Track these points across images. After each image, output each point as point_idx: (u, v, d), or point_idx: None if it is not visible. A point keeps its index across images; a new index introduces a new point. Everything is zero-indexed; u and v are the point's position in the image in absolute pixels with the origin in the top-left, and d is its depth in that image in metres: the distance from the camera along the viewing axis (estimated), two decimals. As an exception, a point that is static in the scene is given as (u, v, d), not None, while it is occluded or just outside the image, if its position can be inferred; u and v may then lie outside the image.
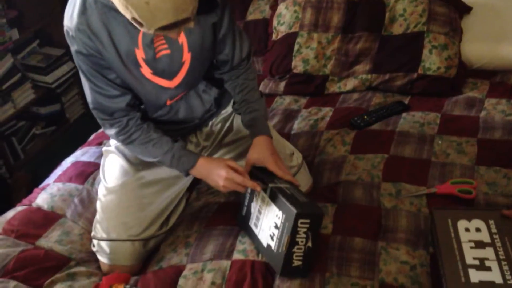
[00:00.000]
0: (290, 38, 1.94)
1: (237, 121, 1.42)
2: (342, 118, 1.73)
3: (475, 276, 1.06)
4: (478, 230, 1.16)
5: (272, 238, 1.16)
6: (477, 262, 1.09)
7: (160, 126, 1.32)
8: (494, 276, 1.06)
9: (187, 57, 1.21)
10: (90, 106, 1.23)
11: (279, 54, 1.95)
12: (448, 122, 1.63)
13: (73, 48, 1.15)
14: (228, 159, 1.27)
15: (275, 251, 1.15)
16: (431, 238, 1.22)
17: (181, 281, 1.18)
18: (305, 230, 1.11)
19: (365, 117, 1.71)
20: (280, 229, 1.13)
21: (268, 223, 1.17)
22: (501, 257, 1.09)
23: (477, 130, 1.57)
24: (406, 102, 1.77)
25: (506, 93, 1.72)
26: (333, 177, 1.49)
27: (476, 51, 1.86)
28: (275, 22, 2.01)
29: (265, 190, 1.20)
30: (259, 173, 1.25)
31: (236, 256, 1.22)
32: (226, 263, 1.21)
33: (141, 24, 0.99)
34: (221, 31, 1.25)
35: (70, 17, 1.11)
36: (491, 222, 1.17)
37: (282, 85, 1.93)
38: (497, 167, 1.42)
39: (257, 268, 1.18)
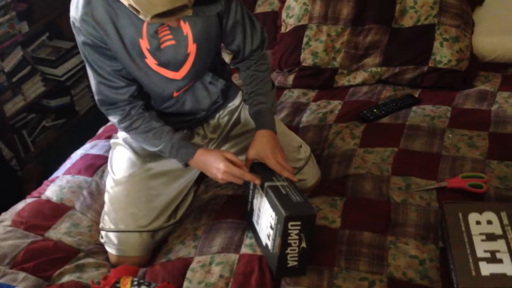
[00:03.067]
0: (299, 30, 1.92)
1: (245, 113, 1.41)
2: (351, 111, 1.72)
3: (486, 269, 1.05)
4: (489, 222, 1.15)
5: (268, 238, 1.15)
6: (488, 255, 1.08)
7: (167, 118, 1.32)
8: (506, 268, 1.04)
9: (192, 48, 1.21)
10: (95, 96, 1.25)
11: (288, 47, 1.93)
12: (459, 116, 1.61)
13: (79, 39, 1.16)
14: (227, 151, 1.26)
15: (271, 251, 1.14)
16: (441, 232, 1.21)
17: (189, 274, 1.18)
18: (297, 232, 1.09)
19: (375, 110, 1.69)
20: (274, 231, 1.12)
21: (265, 222, 1.16)
22: None
23: (489, 124, 1.55)
24: (417, 95, 1.75)
25: (519, 87, 1.70)
26: (341, 170, 1.48)
27: (488, 44, 1.83)
28: (284, 15, 1.99)
29: (262, 189, 1.19)
30: (259, 169, 1.24)
31: (244, 250, 1.22)
32: (234, 257, 1.21)
33: (138, 11, 1.00)
34: (228, 21, 1.24)
35: (76, 7, 1.12)
36: (503, 214, 1.16)
37: (290, 78, 1.91)
38: (509, 162, 1.40)
39: (264, 262, 1.18)
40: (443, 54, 1.75)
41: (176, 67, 1.23)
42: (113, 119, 1.27)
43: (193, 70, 1.25)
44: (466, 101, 1.68)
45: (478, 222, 1.15)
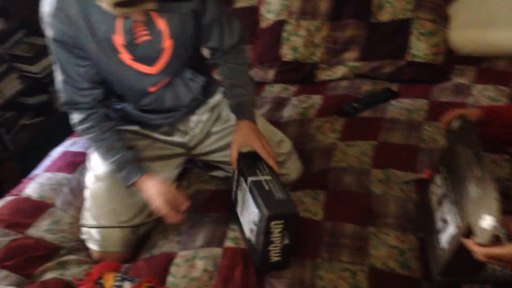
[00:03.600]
0: (278, 26, 1.93)
1: (226, 109, 1.42)
2: (332, 105, 1.74)
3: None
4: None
5: (251, 233, 1.16)
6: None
7: (148, 115, 1.32)
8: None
9: (168, 43, 1.21)
10: (59, 93, 1.25)
11: (267, 42, 1.94)
12: (436, 109, 1.65)
13: (48, 34, 1.16)
14: (172, 183, 1.28)
15: (254, 245, 1.15)
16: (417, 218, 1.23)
17: (172, 269, 1.19)
18: (279, 230, 1.10)
19: (355, 104, 1.71)
20: (257, 227, 1.13)
21: (249, 217, 1.18)
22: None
23: (465, 116, 1.59)
24: (395, 89, 1.78)
25: (493, 79, 1.74)
26: (323, 164, 1.50)
27: (463, 37, 1.87)
28: (262, 10, 2.00)
29: (246, 182, 1.20)
30: (244, 161, 1.24)
31: (228, 243, 1.23)
32: (218, 251, 1.22)
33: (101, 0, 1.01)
34: (204, 18, 1.25)
35: (49, 2, 1.12)
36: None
37: (271, 73, 1.92)
38: (484, 152, 1.44)
39: (248, 256, 1.19)
40: (419, 48, 1.79)
41: (151, 62, 1.23)
42: (72, 119, 1.28)
43: (169, 65, 1.25)
44: (442, 94, 1.72)
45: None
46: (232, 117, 1.37)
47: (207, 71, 1.41)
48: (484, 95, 1.67)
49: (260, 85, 1.92)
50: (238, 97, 1.33)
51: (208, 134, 1.43)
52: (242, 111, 1.32)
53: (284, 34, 1.91)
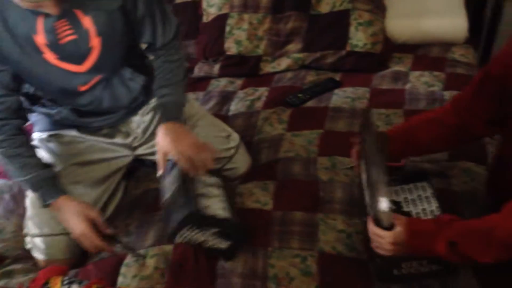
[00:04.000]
0: (221, 19, 1.93)
1: None
2: (278, 97, 1.76)
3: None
4: None
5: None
6: None
7: (85, 119, 1.28)
8: None
9: (95, 42, 1.17)
10: None
11: (211, 37, 1.94)
12: (376, 96, 1.71)
13: None
14: (91, 208, 1.20)
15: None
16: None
17: (123, 269, 1.17)
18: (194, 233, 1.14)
19: (300, 95, 1.75)
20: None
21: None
22: None
23: (403, 102, 1.66)
24: (338, 78, 1.83)
25: (429, 66, 1.82)
26: (271, 155, 1.52)
27: (399, 26, 1.95)
28: (204, 4, 1.99)
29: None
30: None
31: (179, 239, 1.23)
32: (168, 248, 1.21)
33: None
34: (135, 14, 1.20)
35: None
36: None
37: (216, 67, 1.92)
38: (422, 135, 1.51)
39: (200, 250, 1.19)
40: (358, 38, 1.84)
41: (79, 60, 1.18)
42: None
43: (100, 63, 1.20)
44: (382, 82, 1.78)
45: None
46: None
47: (148, 70, 1.37)
48: (421, 81, 1.75)
49: (205, 80, 1.92)
50: (162, 98, 1.27)
51: (153, 134, 1.41)
52: (165, 113, 1.25)
53: (227, 28, 1.92)
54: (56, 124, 1.31)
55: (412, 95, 1.69)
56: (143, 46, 1.33)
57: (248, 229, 1.24)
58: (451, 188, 1.29)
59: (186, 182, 1.18)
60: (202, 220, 1.13)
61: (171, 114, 1.24)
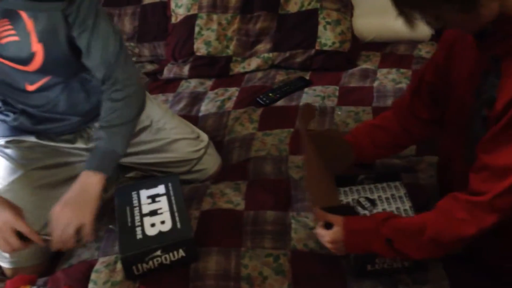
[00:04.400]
0: (190, 20, 1.92)
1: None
2: (248, 96, 1.77)
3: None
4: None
5: None
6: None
7: (43, 125, 1.24)
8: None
9: (37, 47, 1.10)
10: None
11: (180, 38, 1.93)
12: (346, 94, 1.73)
13: None
14: (21, 220, 1.05)
15: None
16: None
17: (93, 276, 1.15)
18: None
19: (270, 94, 1.75)
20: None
21: None
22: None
23: (372, 99, 1.69)
24: (307, 77, 1.85)
25: (396, 63, 1.86)
26: (243, 154, 1.52)
27: (366, 25, 1.98)
28: (172, 5, 1.98)
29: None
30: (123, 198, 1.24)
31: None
32: (140, 251, 1.19)
33: None
34: (75, 22, 1.10)
35: None
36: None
37: (186, 68, 1.91)
38: (391, 131, 1.54)
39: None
40: (327, 37, 1.86)
41: (23, 63, 1.12)
42: None
43: (45, 68, 1.14)
44: (351, 80, 1.80)
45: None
46: (146, 118, 1.33)
47: None
48: (388, 78, 1.78)
49: (175, 81, 1.91)
50: (96, 140, 1.18)
51: None
52: (91, 160, 1.16)
53: (196, 29, 1.91)
54: (14, 130, 1.27)
55: (380, 92, 1.72)
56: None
57: (221, 230, 1.23)
58: (419, 182, 1.32)
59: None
60: (140, 255, 1.10)
61: (94, 163, 1.14)
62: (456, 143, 1.06)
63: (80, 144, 1.34)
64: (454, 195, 0.94)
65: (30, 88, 1.18)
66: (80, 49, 1.14)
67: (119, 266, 1.16)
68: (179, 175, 1.33)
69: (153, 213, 1.19)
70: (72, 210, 1.09)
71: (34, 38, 1.10)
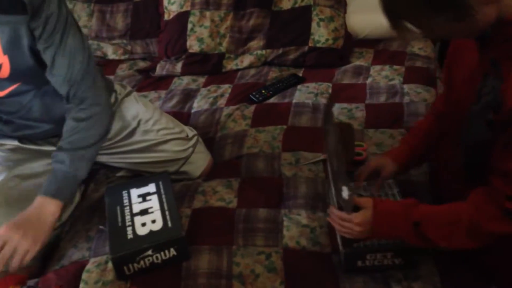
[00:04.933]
0: (183, 17, 1.91)
1: (122, 113, 1.35)
2: (241, 93, 1.76)
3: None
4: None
5: None
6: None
7: (21, 132, 1.22)
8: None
9: (3, 59, 1.06)
10: None
11: (173, 35, 1.92)
12: (339, 91, 1.73)
13: None
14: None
15: None
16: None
17: (84, 275, 1.14)
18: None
19: (263, 91, 1.75)
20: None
21: None
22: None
23: (365, 96, 1.68)
24: (300, 74, 1.84)
25: (389, 60, 1.86)
26: (235, 151, 1.51)
27: (359, 21, 1.98)
28: (165, 2, 1.97)
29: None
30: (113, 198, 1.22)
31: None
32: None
33: None
34: (40, 37, 1.06)
35: None
36: None
37: (179, 65, 1.90)
38: (383, 129, 1.54)
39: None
40: (320, 33, 1.86)
41: None
42: None
43: (13, 77, 1.10)
44: (344, 77, 1.80)
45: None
46: (133, 120, 1.32)
47: None
48: (381, 75, 1.78)
49: (168, 78, 1.90)
50: (55, 163, 1.13)
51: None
52: (48, 184, 1.11)
53: (189, 26, 1.90)
54: None
55: (373, 89, 1.71)
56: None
57: (212, 228, 1.23)
58: (410, 179, 1.32)
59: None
60: (131, 254, 1.10)
61: (54, 188, 1.11)
62: (451, 144, 1.05)
63: (49, 147, 1.31)
64: (489, 192, 0.92)
65: (0, 94, 1.15)
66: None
67: (110, 265, 1.15)
68: (169, 174, 1.32)
69: (144, 212, 1.19)
70: (21, 234, 1.04)
71: None
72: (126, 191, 1.25)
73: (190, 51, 1.90)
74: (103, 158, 1.38)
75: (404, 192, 1.21)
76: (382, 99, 1.66)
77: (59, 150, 1.14)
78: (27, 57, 1.09)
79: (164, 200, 1.22)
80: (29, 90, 1.18)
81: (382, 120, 1.57)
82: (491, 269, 1.07)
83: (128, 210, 1.20)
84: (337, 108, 1.64)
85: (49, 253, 1.26)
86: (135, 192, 1.25)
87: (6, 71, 1.09)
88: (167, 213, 1.18)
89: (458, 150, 1.01)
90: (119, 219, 1.17)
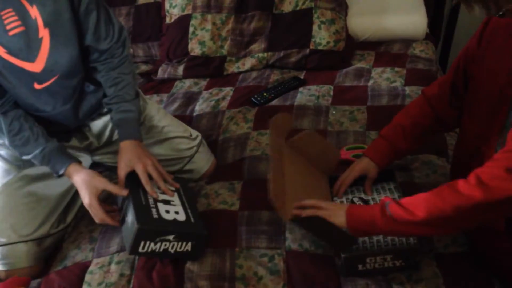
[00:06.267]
0: (184, 20, 1.92)
1: None
2: (243, 96, 1.76)
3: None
4: None
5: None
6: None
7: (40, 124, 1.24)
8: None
9: (44, 33, 1.12)
10: None
11: (174, 38, 1.92)
12: (340, 93, 1.73)
13: None
14: (103, 179, 1.18)
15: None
16: None
17: (87, 277, 1.15)
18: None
19: (265, 94, 1.75)
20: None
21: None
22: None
23: (366, 98, 1.69)
24: (302, 77, 1.85)
25: (390, 62, 1.86)
26: (237, 154, 1.52)
27: (361, 24, 1.98)
28: (167, 5, 1.97)
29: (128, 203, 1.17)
30: (131, 184, 1.21)
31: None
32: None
33: None
34: (81, 6, 1.16)
35: None
36: None
37: (180, 69, 1.91)
38: (385, 131, 1.54)
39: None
40: (321, 36, 1.86)
41: (30, 56, 1.13)
42: None
43: (51, 60, 1.15)
44: (345, 79, 1.80)
45: None
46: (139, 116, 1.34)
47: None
48: (383, 77, 1.78)
49: (170, 81, 1.90)
50: (123, 113, 1.26)
51: (110, 141, 1.38)
52: (127, 130, 1.24)
53: (191, 29, 1.90)
54: None
55: (375, 91, 1.72)
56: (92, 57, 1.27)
57: (215, 231, 1.23)
58: (413, 181, 1.32)
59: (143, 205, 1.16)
60: (154, 232, 1.09)
61: (134, 132, 1.24)
62: (484, 133, 1.03)
63: (74, 143, 1.34)
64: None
65: (38, 86, 1.18)
66: (83, 31, 1.19)
67: (113, 267, 1.16)
68: (173, 173, 1.33)
69: (166, 202, 1.18)
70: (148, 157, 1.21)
71: (40, 23, 1.10)
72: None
73: (192, 54, 1.90)
74: (108, 159, 1.38)
75: (406, 195, 1.20)
76: (384, 101, 1.66)
77: (118, 101, 1.26)
78: (66, 27, 1.14)
79: (184, 199, 1.22)
80: (64, 88, 1.22)
81: (383, 122, 1.54)
82: (495, 270, 1.07)
83: (150, 196, 1.18)
84: (338, 111, 1.64)
85: (52, 254, 1.27)
86: (155, 186, 1.23)
87: (44, 49, 1.13)
88: (189, 210, 1.18)
89: (495, 136, 1.00)
90: (143, 199, 1.16)
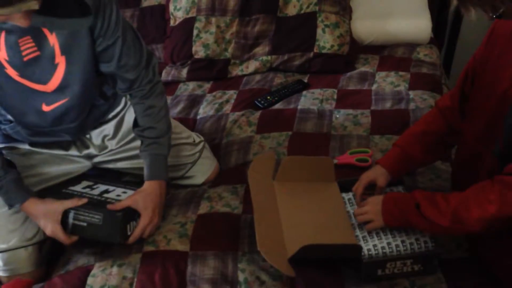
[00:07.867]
0: (188, 23, 1.92)
1: (129, 116, 1.35)
2: (246, 99, 1.76)
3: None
4: None
5: None
6: None
7: (38, 137, 1.25)
8: None
9: (61, 59, 1.09)
10: None
11: (178, 40, 1.92)
12: (344, 97, 1.73)
13: None
14: (59, 201, 1.16)
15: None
16: None
17: (89, 280, 1.14)
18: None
19: (268, 97, 1.75)
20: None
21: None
22: None
23: (370, 102, 1.68)
24: (306, 80, 1.84)
25: (394, 66, 1.86)
26: (241, 157, 1.51)
27: (365, 28, 1.98)
28: (171, 8, 1.97)
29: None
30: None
31: (147, 247, 1.21)
32: (137, 256, 1.19)
33: None
34: (103, 38, 1.12)
35: None
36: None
37: (184, 71, 1.91)
38: (389, 135, 1.53)
39: (168, 257, 1.18)
40: (325, 40, 1.86)
41: (43, 79, 1.11)
42: None
43: (64, 84, 1.13)
44: (349, 83, 1.80)
45: None
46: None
47: (116, 94, 1.32)
48: (387, 81, 1.78)
49: (173, 84, 1.90)
50: (155, 155, 1.25)
51: (110, 144, 1.37)
52: (155, 172, 1.24)
53: (195, 32, 1.91)
54: (7, 138, 1.25)
55: (379, 95, 1.71)
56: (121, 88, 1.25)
57: (218, 234, 1.23)
58: (417, 186, 1.32)
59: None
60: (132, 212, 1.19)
61: (161, 173, 1.25)
62: (484, 136, 1.04)
63: (73, 151, 1.33)
64: (495, 177, 0.96)
65: (47, 108, 1.16)
66: (106, 58, 1.15)
67: (115, 270, 1.15)
68: (175, 179, 1.33)
69: (108, 191, 1.27)
70: (158, 216, 1.24)
71: (57, 51, 1.08)
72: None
73: (196, 56, 1.90)
74: (109, 164, 1.38)
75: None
76: (388, 105, 1.66)
77: (152, 133, 1.25)
78: (84, 56, 1.12)
79: (113, 181, 1.33)
80: (73, 110, 1.19)
81: (387, 126, 1.56)
82: (499, 276, 1.06)
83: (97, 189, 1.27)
84: (342, 115, 1.64)
85: (55, 257, 1.27)
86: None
87: (59, 76, 1.11)
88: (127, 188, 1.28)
89: (493, 142, 1.01)
90: (95, 198, 1.22)
